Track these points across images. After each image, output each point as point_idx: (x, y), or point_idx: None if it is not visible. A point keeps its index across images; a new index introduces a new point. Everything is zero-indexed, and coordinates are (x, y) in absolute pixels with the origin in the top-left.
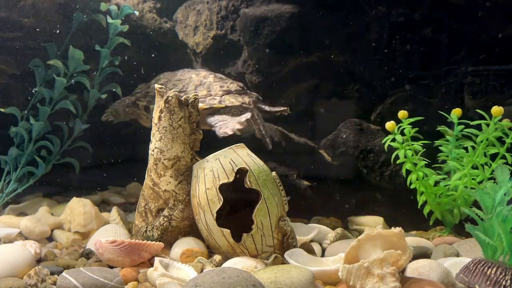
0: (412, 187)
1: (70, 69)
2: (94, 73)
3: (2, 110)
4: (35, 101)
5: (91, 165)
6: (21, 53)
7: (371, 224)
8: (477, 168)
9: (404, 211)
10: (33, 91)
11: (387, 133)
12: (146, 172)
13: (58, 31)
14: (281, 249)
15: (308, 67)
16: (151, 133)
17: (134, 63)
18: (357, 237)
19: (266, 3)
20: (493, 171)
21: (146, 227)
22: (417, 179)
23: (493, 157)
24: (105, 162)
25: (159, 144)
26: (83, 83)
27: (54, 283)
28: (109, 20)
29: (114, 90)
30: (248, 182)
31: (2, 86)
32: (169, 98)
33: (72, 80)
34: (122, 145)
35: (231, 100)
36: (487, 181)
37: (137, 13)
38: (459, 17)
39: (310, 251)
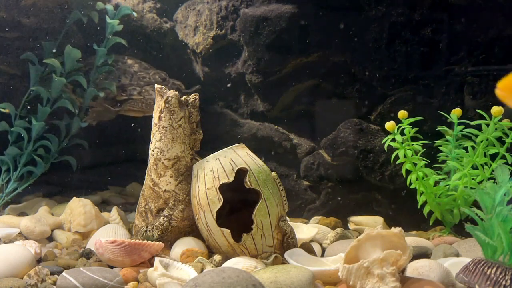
0: (412, 187)
1: (66, 68)
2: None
3: (3, 110)
4: (28, 98)
5: (91, 165)
6: (21, 53)
7: (371, 224)
8: (477, 168)
9: (404, 211)
10: (31, 90)
11: (387, 133)
12: (146, 172)
13: (57, 31)
14: (281, 249)
15: (308, 67)
16: (151, 133)
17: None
18: (357, 237)
19: (266, 3)
20: (493, 171)
21: (146, 227)
22: (417, 179)
23: (493, 157)
24: (105, 162)
25: (159, 144)
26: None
27: (54, 283)
28: (108, 20)
29: (109, 88)
30: (248, 182)
31: (2, 86)
32: (169, 98)
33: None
34: (122, 145)
35: (150, 92)
36: (487, 181)
37: (135, 14)
38: (459, 17)
39: (310, 251)
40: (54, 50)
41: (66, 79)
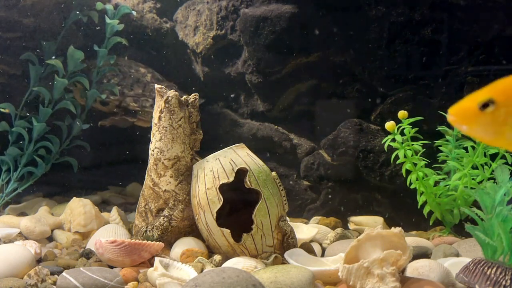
0: (412, 187)
1: (69, 69)
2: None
3: (3, 110)
4: (28, 98)
5: (91, 165)
6: (21, 53)
7: (371, 224)
8: (477, 168)
9: (404, 211)
10: (31, 90)
11: (387, 133)
12: (146, 172)
13: (57, 31)
14: (281, 249)
15: (308, 67)
16: (151, 133)
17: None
18: (357, 237)
19: (266, 3)
20: (493, 171)
21: (146, 227)
22: (417, 179)
23: (493, 157)
24: (105, 162)
25: (159, 144)
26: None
27: (54, 283)
28: (107, 20)
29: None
30: (248, 182)
31: (2, 86)
32: (169, 98)
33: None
34: (122, 145)
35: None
36: (487, 181)
37: (135, 13)
38: (459, 17)
39: (310, 251)
40: (54, 56)
41: (69, 80)
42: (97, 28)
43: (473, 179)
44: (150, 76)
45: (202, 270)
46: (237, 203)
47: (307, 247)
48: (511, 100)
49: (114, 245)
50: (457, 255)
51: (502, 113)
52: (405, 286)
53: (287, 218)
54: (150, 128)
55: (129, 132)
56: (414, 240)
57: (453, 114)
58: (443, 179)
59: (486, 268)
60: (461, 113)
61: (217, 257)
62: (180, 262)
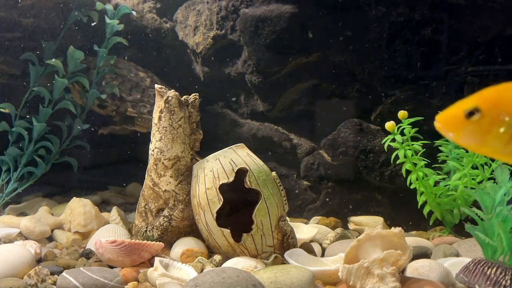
0: (412, 187)
1: (69, 69)
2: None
3: (3, 110)
4: (28, 98)
5: (91, 165)
6: (21, 53)
7: (371, 224)
8: (477, 168)
9: (404, 211)
10: (31, 90)
11: (387, 133)
12: (146, 172)
13: (57, 31)
14: (281, 249)
15: (308, 67)
16: (151, 133)
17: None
18: (357, 237)
19: (266, 3)
20: (493, 171)
21: (146, 227)
22: (417, 179)
23: None
24: (105, 162)
25: (159, 144)
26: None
27: (54, 283)
28: (107, 20)
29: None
30: (248, 182)
31: (2, 86)
32: (169, 98)
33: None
34: (122, 145)
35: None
36: (487, 181)
37: (135, 13)
38: (459, 17)
39: (310, 251)
40: (53, 58)
41: (69, 80)
42: (93, 23)
43: (473, 179)
44: (149, 80)
45: (202, 270)
46: (237, 203)
47: (307, 247)
48: (496, 109)
49: (114, 245)
50: (457, 255)
51: (487, 122)
52: (405, 286)
53: (287, 218)
54: (149, 131)
55: (129, 133)
56: (414, 240)
57: (440, 121)
58: (443, 179)
59: (486, 268)
60: (448, 121)
61: (217, 257)
62: (180, 262)
